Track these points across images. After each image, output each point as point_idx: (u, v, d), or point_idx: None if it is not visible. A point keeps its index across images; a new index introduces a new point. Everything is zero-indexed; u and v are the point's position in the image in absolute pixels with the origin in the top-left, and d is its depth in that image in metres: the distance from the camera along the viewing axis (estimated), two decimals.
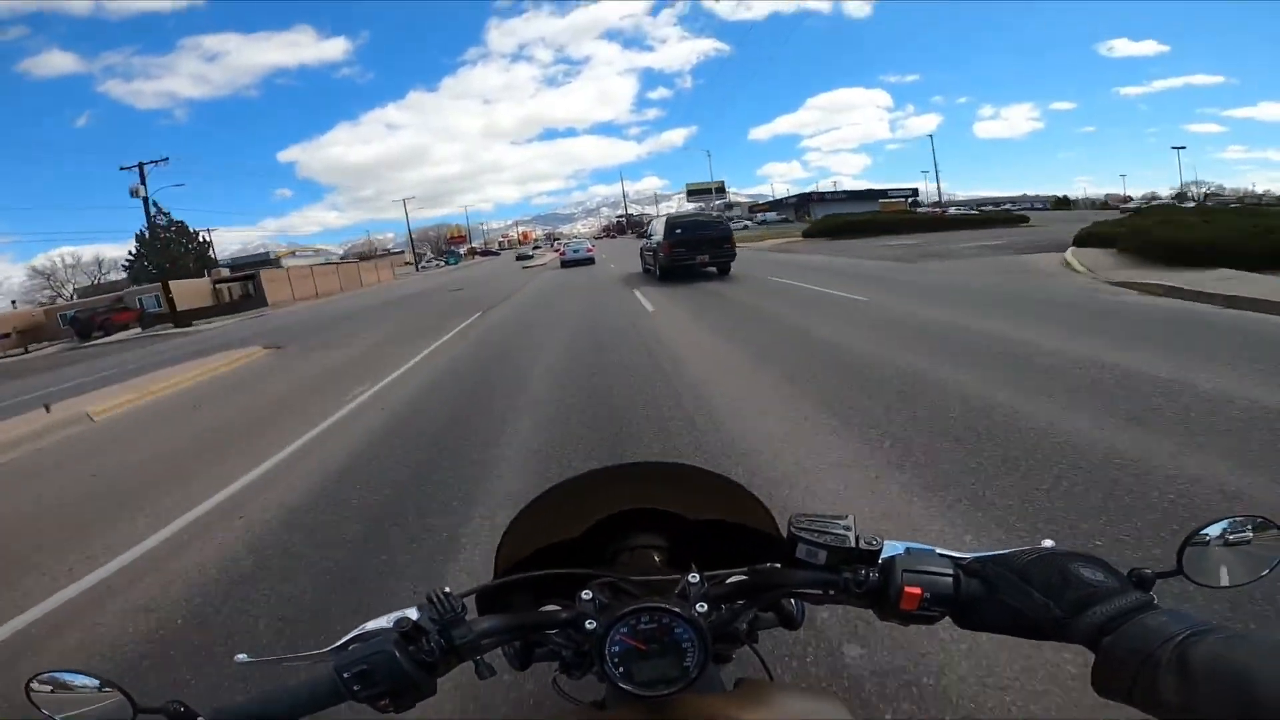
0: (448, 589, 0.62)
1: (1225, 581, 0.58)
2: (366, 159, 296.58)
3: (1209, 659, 0.43)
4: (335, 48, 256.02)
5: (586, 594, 0.65)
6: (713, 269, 16.10)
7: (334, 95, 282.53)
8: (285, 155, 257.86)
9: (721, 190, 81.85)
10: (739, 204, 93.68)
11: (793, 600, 0.73)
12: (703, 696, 0.62)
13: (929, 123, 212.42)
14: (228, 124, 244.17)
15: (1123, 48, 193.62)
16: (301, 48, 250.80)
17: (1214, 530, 0.59)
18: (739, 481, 0.76)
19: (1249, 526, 0.59)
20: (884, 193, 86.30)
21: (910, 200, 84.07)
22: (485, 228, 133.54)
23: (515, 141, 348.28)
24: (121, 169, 28.23)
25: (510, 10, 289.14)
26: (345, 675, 0.57)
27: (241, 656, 0.67)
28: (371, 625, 0.66)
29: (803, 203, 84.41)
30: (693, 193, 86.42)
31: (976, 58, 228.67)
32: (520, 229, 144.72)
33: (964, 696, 1.72)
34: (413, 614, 0.63)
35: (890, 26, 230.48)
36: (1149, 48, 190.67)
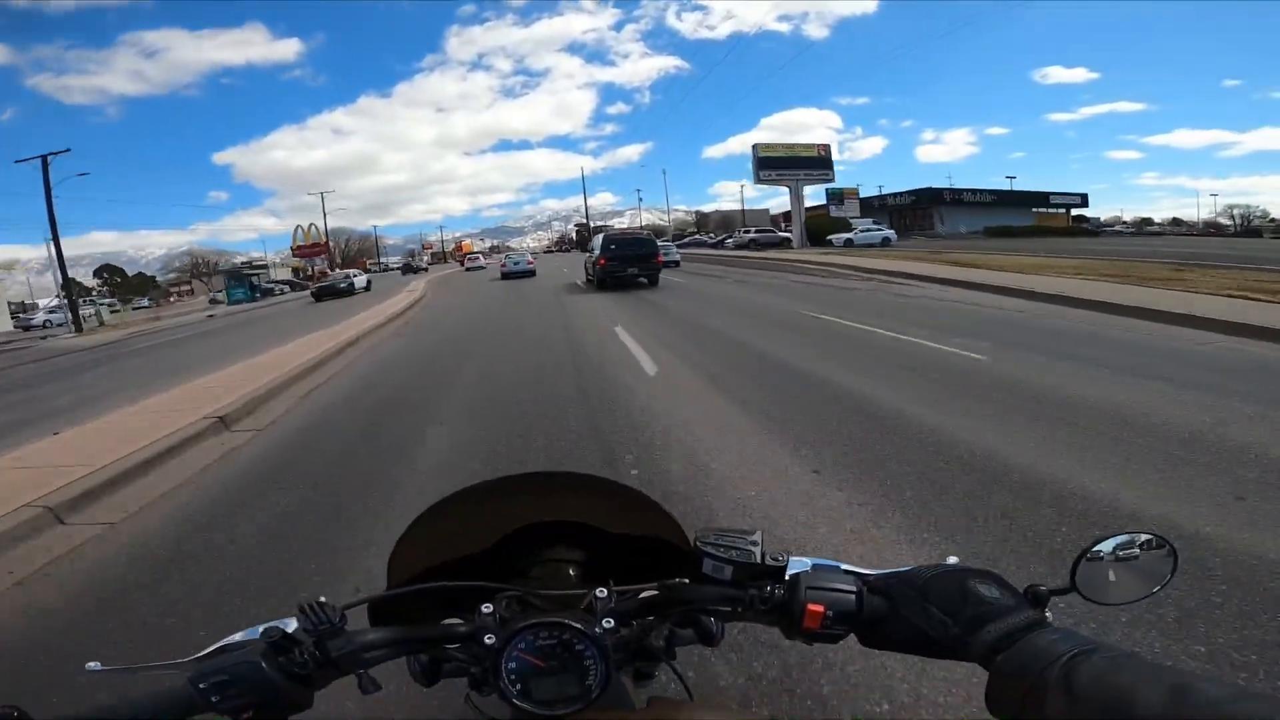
0: (323, 599, 0.59)
1: (1117, 598, 0.60)
2: (310, 164, 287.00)
3: (1092, 680, 0.44)
4: (287, 49, 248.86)
5: (487, 607, 0.64)
6: (643, 280, 18.05)
7: (280, 97, 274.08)
8: (222, 157, 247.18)
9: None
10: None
11: (710, 617, 0.70)
12: (609, 715, 0.62)
13: (876, 145, 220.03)
14: (164, 122, 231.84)
15: (1056, 75, 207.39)
16: (251, 46, 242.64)
17: (1106, 546, 0.60)
18: (648, 494, 0.73)
19: (1139, 543, 0.60)
20: (1043, 197, 60.20)
21: (1071, 213, 59.20)
22: (429, 238, 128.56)
23: (468, 152, 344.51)
24: (17, 162, 25.81)
25: (473, 18, 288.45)
26: (201, 685, 0.55)
27: (93, 665, 0.62)
28: (240, 636, 0.63)
29: (920, 206, 56.20)
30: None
31: (922, 83, 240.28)
32: (465, 239, 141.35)
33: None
34: (288, 625, 0.61)
35: (846, 49, 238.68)
36: (1079, 75, 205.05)
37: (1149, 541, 0.60)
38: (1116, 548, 0.60)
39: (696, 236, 67.65)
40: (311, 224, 63.30)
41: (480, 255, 61.82)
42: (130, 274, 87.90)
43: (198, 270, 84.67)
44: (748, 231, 47.72)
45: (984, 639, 0.53)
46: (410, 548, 0.73)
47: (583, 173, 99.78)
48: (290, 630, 0.60)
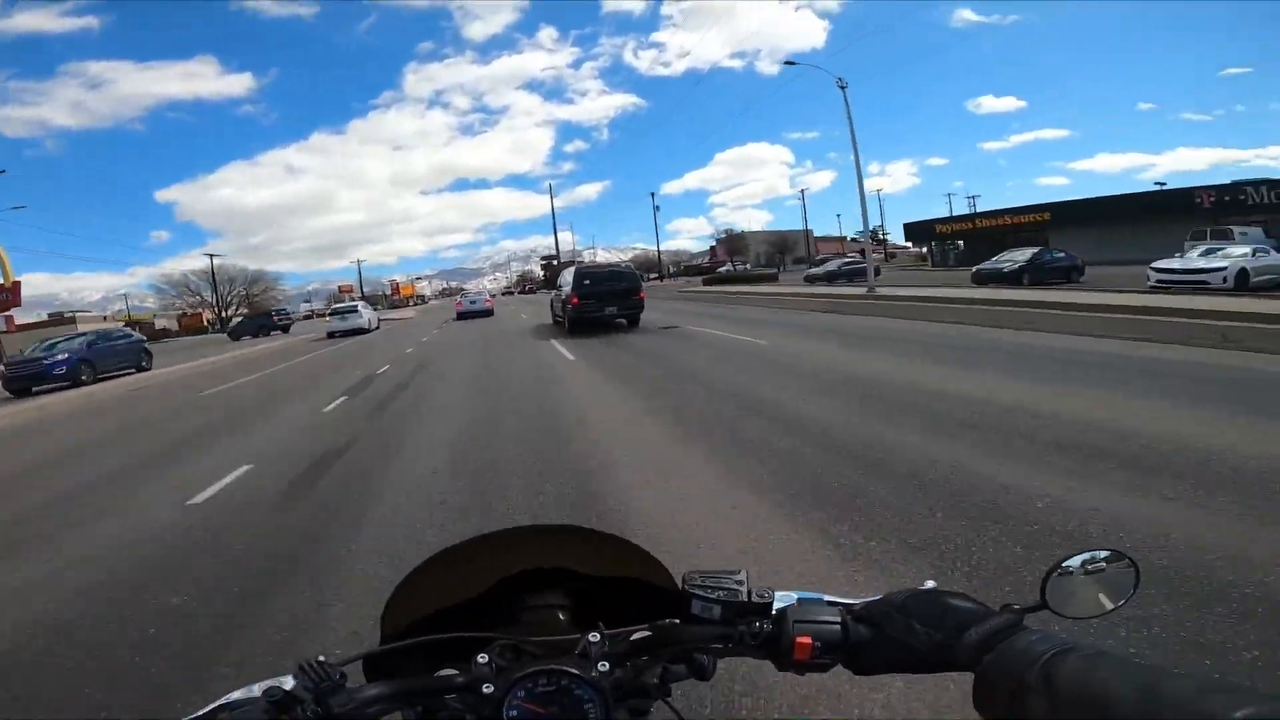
0: (321, 657, 0.59)
1: (1087, 612, 0.62)
2: (260, 203, 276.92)
3: (1070, 679, 0.46)
4: (239, 83, 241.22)
5: (483, 657, 0.63)
6: (621, 321, 16.26)
7: (230, 133, 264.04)
8: (165, 195, 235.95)
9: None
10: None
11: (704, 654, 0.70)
12: None
13: (825, 178, 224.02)
14: (104, 157, 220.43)
15: (988, 104, 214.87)
16: (200, 80, 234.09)
17: (1073, 563, 0.62)
18: (632, 540, 0.75)
19: (1102, 559, 0.62)
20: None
21: None
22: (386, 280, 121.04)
23: (425, 191, 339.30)
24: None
25: (431, 55, 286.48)
26: None
27: None
28: (238, 695, 0.62)
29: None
30: None
31: (868, 116, 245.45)
32: (418, 280, 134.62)
33: None
34: (286, 683, 0.59)
35: (797, 84, 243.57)
36: (1009, 104, 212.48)
37: (1110, 556, 0.63)
38: (1082, 564, 0.62)
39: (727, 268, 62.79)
40: None
41: (479, 294, 46.92)
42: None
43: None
44: (824, 259, 41.60)
45: (968, 643, 0.54)
46: (402, 603, 0.74)
47: (551, 192, 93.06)
48: (289, 688, 0.58)
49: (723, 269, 71.28)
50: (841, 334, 11.88)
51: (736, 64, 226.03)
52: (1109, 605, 0.62)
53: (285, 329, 37.91)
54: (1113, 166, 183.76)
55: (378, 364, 14.47)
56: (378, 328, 28.96)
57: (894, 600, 0.62)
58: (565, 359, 11.93)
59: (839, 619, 0.62)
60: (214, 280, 63.28)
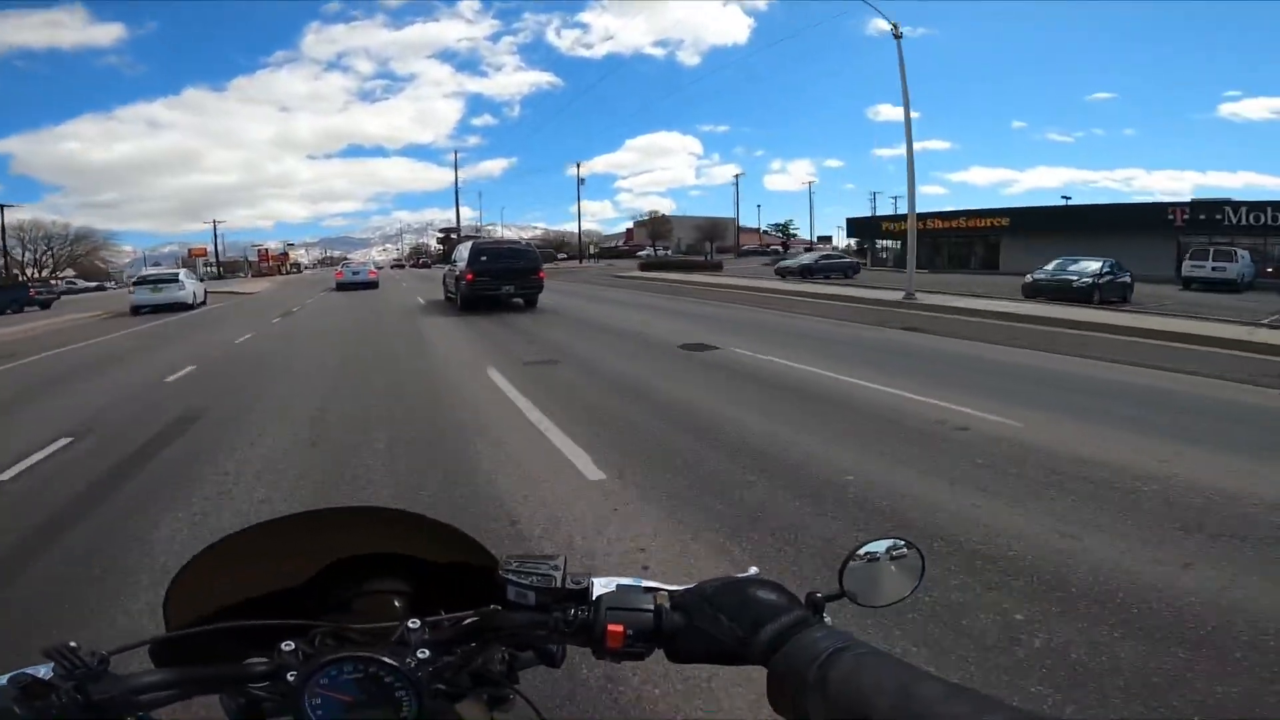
0: (74, 644, 0.55)
1: (882, 599, 0.64)
2: (112, 159, 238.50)
3: (839, 679, 0.46)
4: (106, 33, 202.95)
5: (288, 645, 0.61)
6: (518, 300, 15.49)
7: (87, 84, 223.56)
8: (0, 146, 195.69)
9: None
10: None
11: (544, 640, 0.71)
12: None
13: (729, 171, 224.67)
14: None
15: (886, 113, 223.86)
16: (62, 29, 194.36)
17: (864, 551, 0.64)
18: (456, 525, 0.74)
19: (889, 549, 0.65)
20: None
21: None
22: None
23: (313, 155, 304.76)
24: None
25: (338, 16, 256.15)
26: None
27: None
28: None
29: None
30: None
31: (775, 114, 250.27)
32: (291, 247, 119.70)
33: None
34: (40, 670, 0.57)
35: (714, 77, 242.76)
36: (903, 113, 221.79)
37: (896, 544, 0.65)
38: (873, 553, 0.64)
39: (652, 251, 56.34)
40: None
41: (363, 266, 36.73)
42: None
43: None
44: (791, 249, 37.97)
45: (761, 639, 0.54)
46: (195, 585, 0.69)
47: (455, 161, 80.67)
48: (42, 675, 0.55)
49: (643, 253, 65.96)
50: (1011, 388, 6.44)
51: (659, 52, 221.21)
52: (902, 592, 0.65)
53: (45, 305, 27.25)
54: (984, 179, 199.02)
55: (175, 363, 9.09)
56: (204, 302, 22.20)
57: (705, 590, 0.61)
58: (497, 389, 6.75)
59: (651, 607, 0.61)
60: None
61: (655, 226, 79.38)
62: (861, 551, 0.65)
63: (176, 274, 21.60)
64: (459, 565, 0.74)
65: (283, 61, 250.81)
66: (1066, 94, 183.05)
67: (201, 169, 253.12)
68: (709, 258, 49.97)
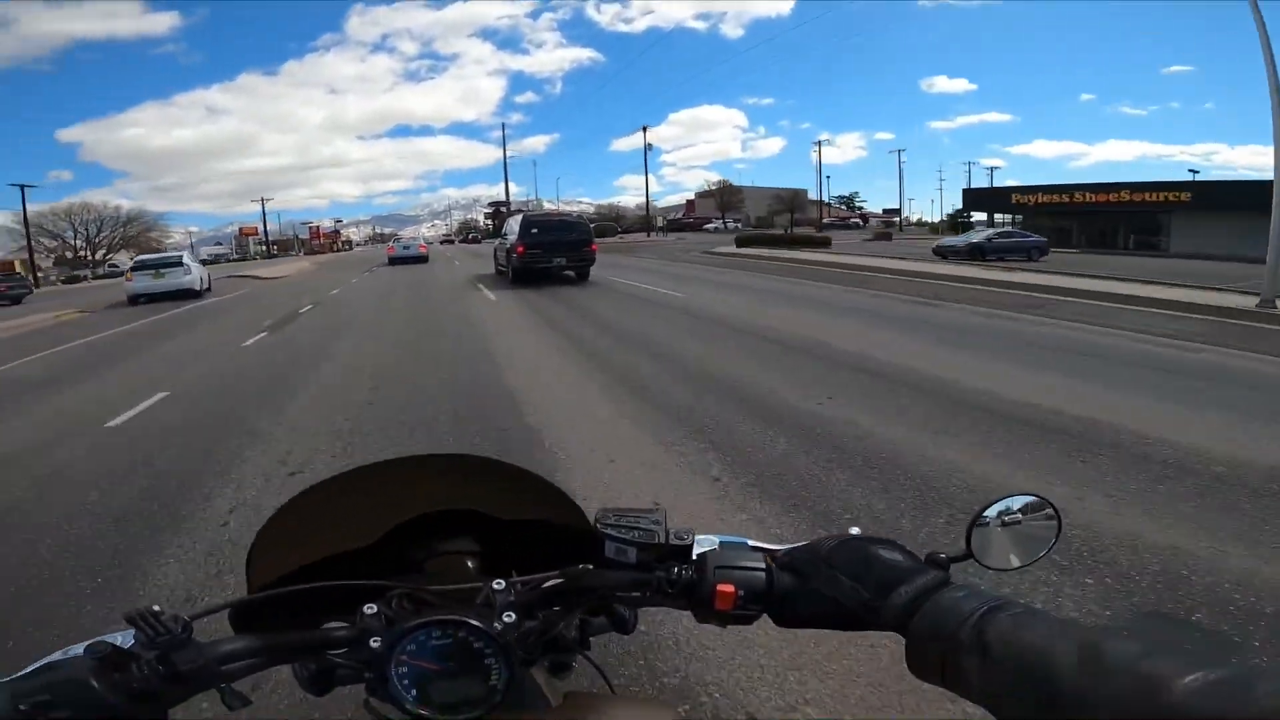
0: (157, 607, 0.52)
1: (1013, 563, 0.60)
2: (173, 144, 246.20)
3: (1002, 638, 0.44)
4: (161, 22, 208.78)
5: (370, 608, 0.57)
6: (569, 273, 15.28)
7: (146, 72, 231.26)
8: (68, 134, 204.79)
9: None
10: None
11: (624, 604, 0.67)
12: (516, 715, 0.58)
13: (775, 145, 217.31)
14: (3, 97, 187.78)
15: (941, 84, 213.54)
16: (119, 19, 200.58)
17: (993, 511, 0.60)
18: (541, 474, 0.68)
19: (1022, 507, 0.60)
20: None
21: None
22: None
23: (362, 136, 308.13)
24: None
25: None
26: (23, 706, 0.49)
27: None
28: (63, 654, 0.55)
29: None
30: None
31: (823, 87, 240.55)
32: (337, 224, 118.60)
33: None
34: (120, 638, 0.54)
35: (758, 50, 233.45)
36: (960, 85, 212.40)
37: (1032, 504, 0.60)
38: (1002, 513, 0.60)
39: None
40: None
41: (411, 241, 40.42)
42: None
43: None
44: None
45: (895, 603, 0.51)
46: (275, 545, 0.66)
47: (504, 134, 74.79)
48: (121, 643, 0.53)
49: (710, 226, 60.31)
50: None
51: (700, 25, 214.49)
52: (1032, 556, 0.60)
53: (15, 300, 24.54)
54: (1048, 153, 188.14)
55: (136, 390, 6.09)
56: (209, 288, 19.40)
57: (820, 549, 0.57)
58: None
59: (763, 565, 0.58)
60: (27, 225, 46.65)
61: (726, 196, 71.01)
62: (991, 511, 0.59)
63: (180, 256, 19.06)
64: (530, 523, 0.69)
65: (330, 45, 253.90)
66: (1139, 66, 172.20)
67: (259, 152, 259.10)
68: (789, 230, 44.44)
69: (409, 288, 16.68)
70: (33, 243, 57.48)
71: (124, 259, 63.10)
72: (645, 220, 60.47)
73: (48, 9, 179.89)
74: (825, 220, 60.03)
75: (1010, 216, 36.76)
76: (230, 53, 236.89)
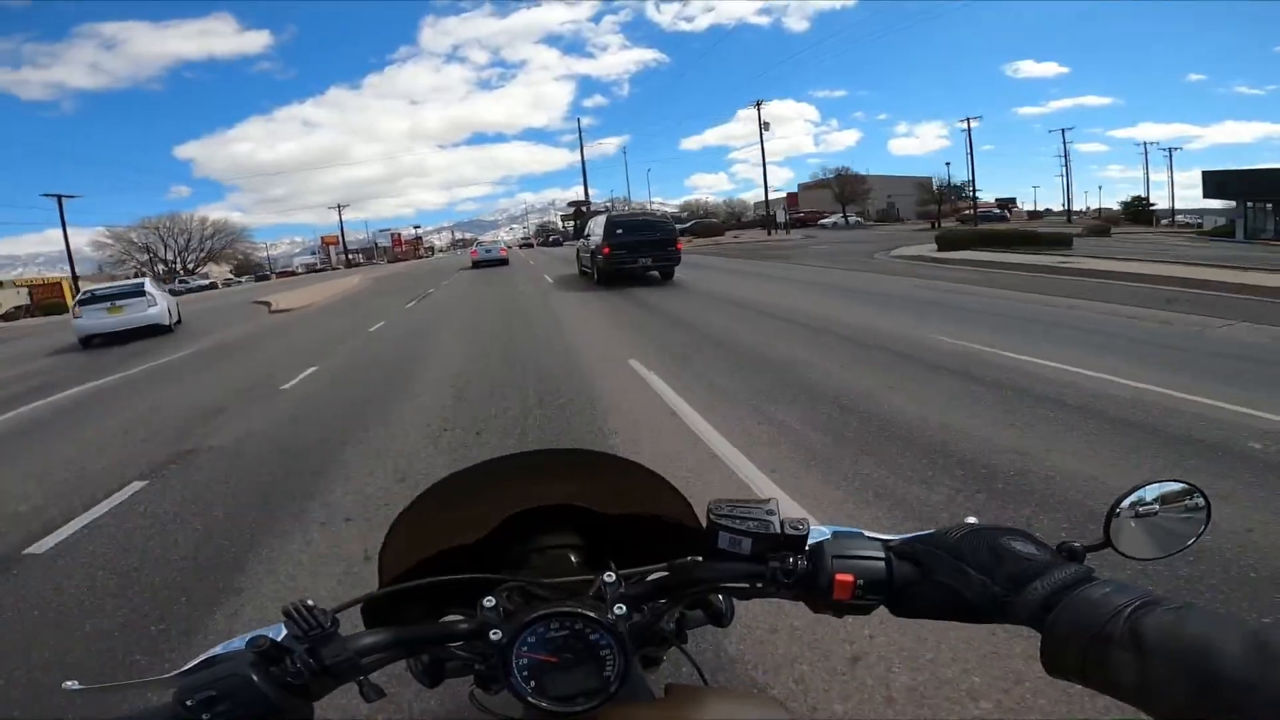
0: (310, 601, 0.55)
1: (1154, 552, 0.57)
2: (277, 158, 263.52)
3: (1161, 633, 0.42)
4: (256, 40, 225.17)
5: (489, 601, 0.60)
6: (655, 273, 15.28)
7: (247, 90, 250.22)
8: (183, 152, 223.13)
9: None
10: None
11: (720, 596, 0.70)
12: (627, 707, 0.59)
13: (849, 137, 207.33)
14: (123, 118, 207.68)
15: (1027, 69, 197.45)
16: (217, 38, 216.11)
17: (1137, 498, 0.57)
18: (649, 467, 0.71)
19: (1169, 494, 0.57)
20: None
21: None
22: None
23: (442, 145, 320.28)
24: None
25: (448, 9, 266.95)
26: (189, 703, 0.51)
27: (70, 684, 0.57)
28: (221, 649, 0.58)
29: None
30: None
31: (898, 76, 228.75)
32: (416, 230, 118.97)
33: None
34: (272, 632, 0.56)
35: (824, 42, 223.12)
36: (1050, 69, 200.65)
37: (1181, 491, 0.57)
38: (1147, 500, 0.57)
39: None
40: None
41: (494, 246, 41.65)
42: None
43: None
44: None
45: (1031, 597, 0.49)
46: (400, 541, 0.70)
47: (580, 133, 69.74)
48: (279, 638, 0.55)
49: (826, 221, 52.69)
50: None
51: (763, 20, 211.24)
52: (1175, 545, 0.57)
53: None
54: (1157, 136, 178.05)
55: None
56: (179, 321, 16.27)
57: (944, 540, 0.56)
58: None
59: (882, 555, 0.57)
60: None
61: (849, 186, 61.58)
62: (1131, 499, 0.57)
63: (141, 284, 15.24)
64: (631, 517, 0.71)
65: (406, 57, 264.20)
66: (1252, 44, 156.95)
67: (350, 164, 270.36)
68: (972, 223, 36.81)
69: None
70: (126, 257, 57.66)
71: (212, 271, 62.99)
72: (766, 216, 50.99)
73: (152, 29, 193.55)
74: (975, 213, 49.84)
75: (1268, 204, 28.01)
76: (318, 68, 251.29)
